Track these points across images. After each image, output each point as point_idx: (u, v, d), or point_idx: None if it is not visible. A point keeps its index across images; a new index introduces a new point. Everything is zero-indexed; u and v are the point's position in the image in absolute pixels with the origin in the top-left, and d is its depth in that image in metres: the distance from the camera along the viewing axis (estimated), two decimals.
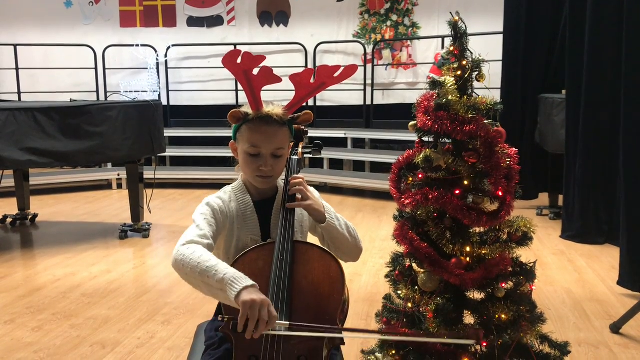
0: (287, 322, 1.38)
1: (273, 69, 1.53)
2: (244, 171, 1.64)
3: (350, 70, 1.59)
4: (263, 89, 1.56)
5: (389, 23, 7.62)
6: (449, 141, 1.65)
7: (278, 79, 1.54)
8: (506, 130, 1.63)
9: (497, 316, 1.61)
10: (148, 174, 4.93)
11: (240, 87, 7.66)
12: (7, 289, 3.52)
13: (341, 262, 1.56)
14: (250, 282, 1.34)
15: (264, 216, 1.64)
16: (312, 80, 1.60)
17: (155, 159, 6.91)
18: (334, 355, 1.58)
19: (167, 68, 7.85)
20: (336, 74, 1.60)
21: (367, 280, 3.63)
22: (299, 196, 1.60)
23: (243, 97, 1.58)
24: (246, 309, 1.28)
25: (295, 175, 1.63)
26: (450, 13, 1.65)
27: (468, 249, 1.63)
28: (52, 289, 3.52)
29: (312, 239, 1.69)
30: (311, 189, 1.65)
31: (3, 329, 2.95)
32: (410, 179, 1.67)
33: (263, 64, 1.52)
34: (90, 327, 2.97)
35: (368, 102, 7.47)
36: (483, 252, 1.63)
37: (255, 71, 1.52)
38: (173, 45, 7.80)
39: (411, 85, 7.54)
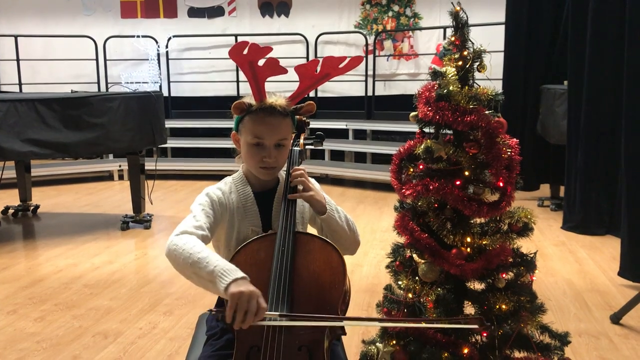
0: (277, 313, 1.38)
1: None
2: (247, 162, 1.63)
3: (356, 61, 1.59)
4: (267, 79, 1.56)
5: (390, 13, 7.59)
6: (450, 132, 1.65)
7: (284, 70, 1.53)
8: (507, 121, 1.62)
9: (497, 306, 1.61)
10: (149, 165, 4.93)
11: (241, 77, 7.61)
12: (9, 280, 3.54)
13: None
14: (240, 274, 1.33)
15: (264, 207, 1.64)
16: (317, 71, 1.60)
17: (156, 150, 6.91)
18: (334, 346, 1.58)
19: (168, 59, 7.84)
20: (341, 65, 1.59)
21: (368, 271, 3.64)
22: (300, 187, 1.60)
23: (244, 88, 1.58)
24: (234, 301, 1.28)
25: (297, 167, 1.63)
26: (452, 3, 1.64)
27: (469, 239, 1.63)
28: (54, 280, 3.54)
29: (310, 230, 1.70)
30: (312, 180, 1.65)
31: (6, 320, 2.96)
32: (411, 169, 1.67)
33: (269, 55, 1.51)
34: (92, 317, 2.99)
35: (369, 93, 7.45)
36: (483, 242, 1.63)
37: (261, 62, 1.52)
38: (174, 36, 7.78)
39: (413, 76, 7.52)
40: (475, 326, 1.43)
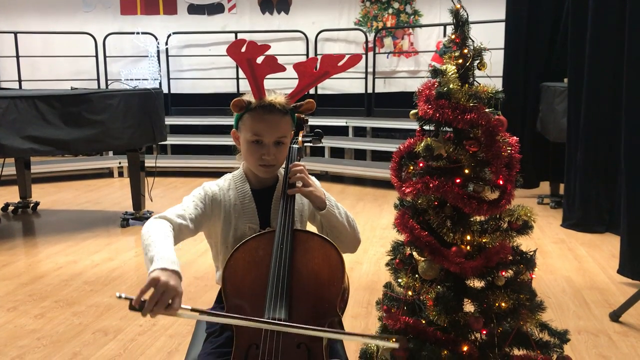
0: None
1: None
2: (247, 160, 1.63)
3: (355, 59, 1.59)
4: (266, 77, 1.56)
5: (390, 10, 7.58)
6: (450, 130, 1.65)
7: (282, 68, 1.53)
8: (507, 119, 1.62)
9: (496, 304, 1.61)
10: (149, 162, 4.93)
11: (241, 74, 7.59)
12: (9, 277, 3.54)
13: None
14: (172, 267, 1.29)
15: (263, 205, 1.64)
16: (316, 69, 1.60)
17: (156, 147, 6.88)
18: (334, 343, 1.59)
19: (167, 56, 7.83)
20: (340, 63, 1.59)
21: (367, 269, 3.64)
22: (299, 184, 1.60)
23: (244, 85, 1.58)
24: (148, 286, 1.26)
25: (296, 163, 1.64)
26: (452, 1, 1.64)
27: (468, 237, 1.63)
28: (54, 277, 3.54)
29: (310, 228, 1.70)
30: (312, 177, 1.65)
31: (6, 316, 2.96)
32: (411, 167, 1.67)
33: (267, 52, 1.52)
34: (92, 314, 2.99)
35: (369, 91, 7.45)
36: (483, 240, 1.63)
37: (259, 60, 1.52)
38: (174, 33, 7.77)
39: (412, 74, 7.52)
40: (396, 346, 1.39)
